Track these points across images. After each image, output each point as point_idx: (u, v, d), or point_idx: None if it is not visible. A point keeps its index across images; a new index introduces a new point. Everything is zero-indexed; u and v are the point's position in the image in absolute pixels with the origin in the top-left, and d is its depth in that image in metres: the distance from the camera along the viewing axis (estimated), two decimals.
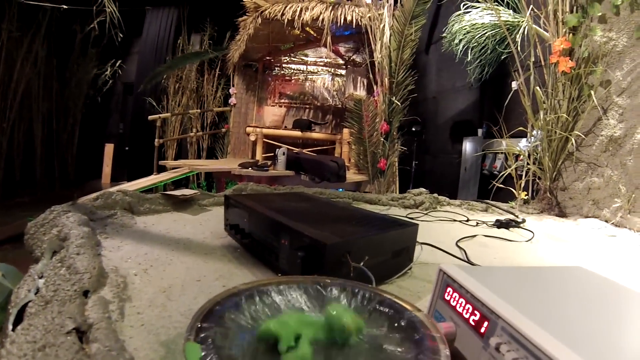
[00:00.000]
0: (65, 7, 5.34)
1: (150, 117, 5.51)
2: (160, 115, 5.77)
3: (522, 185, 2.34)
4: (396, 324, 0.52)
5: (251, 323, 0.51)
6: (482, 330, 0.47)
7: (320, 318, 0.50)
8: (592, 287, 0.62)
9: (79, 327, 0.57)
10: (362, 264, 0.77)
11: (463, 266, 0.59)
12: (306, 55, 7.19)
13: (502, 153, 3.55)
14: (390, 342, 0.49)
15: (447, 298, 0.56)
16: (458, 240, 1.37)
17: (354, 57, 6.77)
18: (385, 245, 0.89)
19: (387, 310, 0.55)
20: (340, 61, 7.01)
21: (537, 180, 2.32)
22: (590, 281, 0.65)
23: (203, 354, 0.41)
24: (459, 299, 0.53)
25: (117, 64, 7.63)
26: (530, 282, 0.61)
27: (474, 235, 1.49)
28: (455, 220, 1.78)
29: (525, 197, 2.34)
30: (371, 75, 4.73)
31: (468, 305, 0.51)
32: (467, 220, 1.78)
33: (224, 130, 6.91)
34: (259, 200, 1.15)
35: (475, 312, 0.49)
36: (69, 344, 0.54)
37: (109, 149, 7.53)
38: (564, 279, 0.65)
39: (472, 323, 0.49)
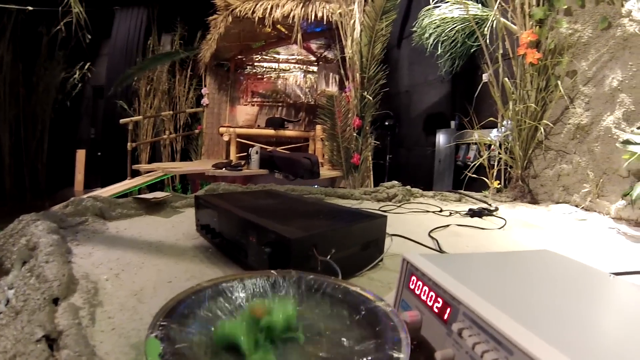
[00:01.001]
0: (30, 8, 5.20)
1: (122, 121, 5.40)
2: (132, 118, 5.70)
3: (495, 174, 2.36)
4: (357, 316, 0.51)
5: (211, 318, 0.51)
6: (445, 317, 0.46)
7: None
8: (558, 269, 0.62)
9: (48, 334, 0.56)
10: (329, 257, 0.75)
11: (427, 255, 0.58)
12: (278, 53, 7.14)
13: (474, 144, 3.58)
14: (351, 334, 0.48)
15: (412, 287, 0.55)
16: (431, 231, 1.37)
17: (325, 53, 6.76)
18: (353, 238, 0.88)
19: (347, 301, 0.55)
20: (312, 58, 7.00)
21: (509, 169, 2.35)
22: (556, 263, 0.65)
23: (162, 349, 0.41)
24: (422, 287, 0.52)
25: (86, 67, 7.39)
26: (496, 267, 0.61)
27: (447, 225, 1.50)
28: (428, 211, 1.78)
29: (498, 186, 2.37)
30: (343, 71, 4.73)
31: (431, 293, 0.50)
32: (441, 211, 1.79)
33: (197, 131, 6.83)
34: (228, 199, 1.14)
35: (438, 299, 0.48)
36: (39, 352, 0.53)
37: (80, 155, 7.32)
38: (530, 263, 0.65)
39: (436, 310, 0.48)
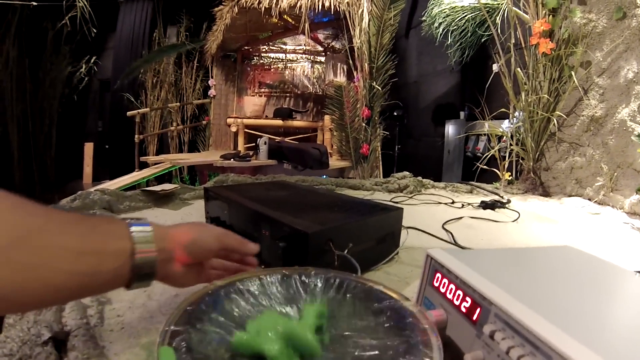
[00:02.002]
0: (35, 3, 5.17)
1: (129, 113, 5.36)
2: (139, 110, 5.65)
3: (506, 166, 2.33)
4: (383, 316, 0.49)
5: (228, 323, 0.48)
6: (475, 317, 0.44)
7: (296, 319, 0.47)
8: (583, 267, 0.60)
9: (56, 335, 0.55)
10: (346, 251, 0.74)
11: (451, 250, 0.56)
12: (285, 44, 7.07)
13: (484, 135, 3.55)
14: (378, 336, 0.46)
15: (436, 284, 0.53)
16: (444, 223, 1.35)
17: (333, 43, 6.70)
18: (369, 231, 0.86)
19: (372, 300, 0.52)
20: (320, 48, 6.93)
21: (521, 161, 2.32)
22: (580, 260, 0.63)
23: (176, 358, 0.38)
24: (448, 285, 0.50)
25: (92, 61, 7.37)
26: (520, 263, 0.59)
27: (460, 217, 1.48)
28: (440, 203, 1.76)
29: (509, 178, 2.34)
30: (351, 61, 4.69)
31: (458, 292, 0.48)
32: (452, 203, 1.77)
33: (204, 122, 6.79)
34: (238, 191, 1.11)
35: (467, 298, 0.46)
36: (46, 354, 0.51)
37: (88, 148, 7.30)
38: (553, 259, 0.63)
39: (464, 310, 0.46)
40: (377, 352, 0.42)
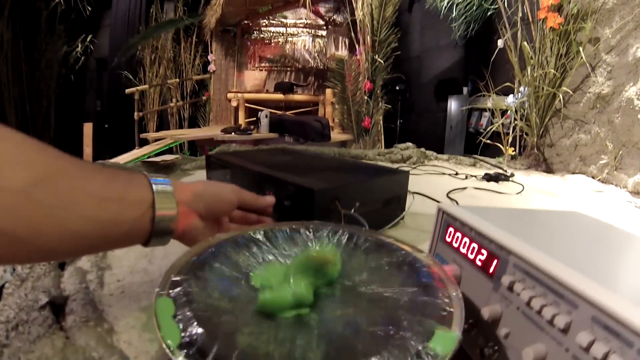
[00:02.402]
0: None
1: (127, 91, 5.28)
2: (138, 87, 5.56)
3: (509, 141, 2.31)
4: (398, 267, 0.47)
5: (232, 274, 0.46)
6: (491, 270, 0.42)
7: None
8: (595, 229, 0.59)
9: (53, 300, 0.54)
10: (352, 211, 0.72)
11: (462, 206, 0.54)
12: (285, 17, 6.95)
13: (487, 111, 3.51)
14: (394, 286, 0.44)
15: (449, 240, 0.51)
16: (449, 192, 1.34)
17: (334, 16, 6.60)
18: (375, 193, 0.84)
19: (384, 252, 0.51)
20: (321, 22, 6.83)
21: (525, 136, 2.30)
22: (592, 223, 0.61)
23: (175, 310, 0.36)
24: (462, 239, 0.48)
25: (88, 39, 7.14)
26: (533, 221, 0.57)
27: (464, 188, 1.46)
28: (444, 174, 1.75)
29: (513, 153, 2.32)
30: (353, 35, 4.64)
31: (473, 245, 0.46)
32: (456, 174, 1.75)
33: (204, 98, 6.71)
34: (241, 156, 1.09)
35: (482, 250, 0.44)
36: (43, 319, 0.50)
37: (87, 128, 7.16)
38: (565, 220, 0.61)
39: (479, 263, 0.44)
40: (394, 303, 0.41)
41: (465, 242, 0.47)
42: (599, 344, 0.29)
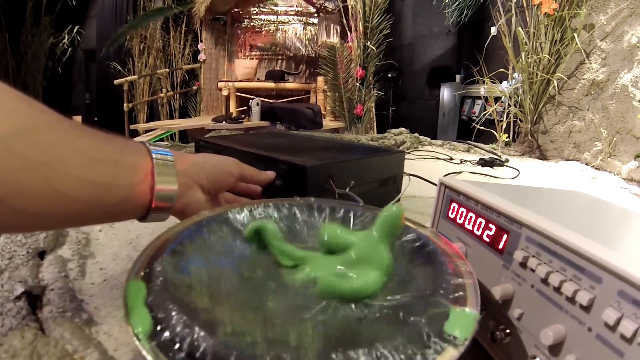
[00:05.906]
0: None
1: (116, 81, 5.20)
2: (127, 78, 5.47)
3: (503, 127, 2.29)
4: (404, 244, 0.43)
5: (215, 249, 0.42)
6: (501, 245, 0.39)
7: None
8: (600, 205, 0.57)
9: (30, 290, 0.51)
10: (347, 189, 0.68)
11: (465, 180, 0.51)
12: (276, 5, 6.88)
13: (480, 98, 3.49)
14: (402, 263, 0.41)
15: (452, 216, 0.47)
16: (444, 176, 1.31)
17: (325, 3, 6.54)
18: (371, 172, 0.80)
19: None
20: (312, 9, 6.76)
21: (519, 123, 2.28)
22: (598, 202, 0.59)
23: (147, 292, 0.31)
24: (467, 214, 0.45)
25: (75, 30, 7.01)
26: (538, 197, 0.55)
27: (460, 172, 1.45)
28: (438, 159, 1.72)
29: (507, 140, 2.30)
30: (344, 21, 4.59)
31: (480, 219, 0.42)
32: (451, 159, 1.73)
33: (195, 87, 6.63)
34: (231, 140, 1.05)
35: (490, 225, 0.41)
36: (17, 310, 0.47)
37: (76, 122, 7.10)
38: (569, 197, 0.59)
39: (487, 239, 0.41)
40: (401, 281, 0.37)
41: (471, 217, 0.44)
42: (627, 321, 0.26)
